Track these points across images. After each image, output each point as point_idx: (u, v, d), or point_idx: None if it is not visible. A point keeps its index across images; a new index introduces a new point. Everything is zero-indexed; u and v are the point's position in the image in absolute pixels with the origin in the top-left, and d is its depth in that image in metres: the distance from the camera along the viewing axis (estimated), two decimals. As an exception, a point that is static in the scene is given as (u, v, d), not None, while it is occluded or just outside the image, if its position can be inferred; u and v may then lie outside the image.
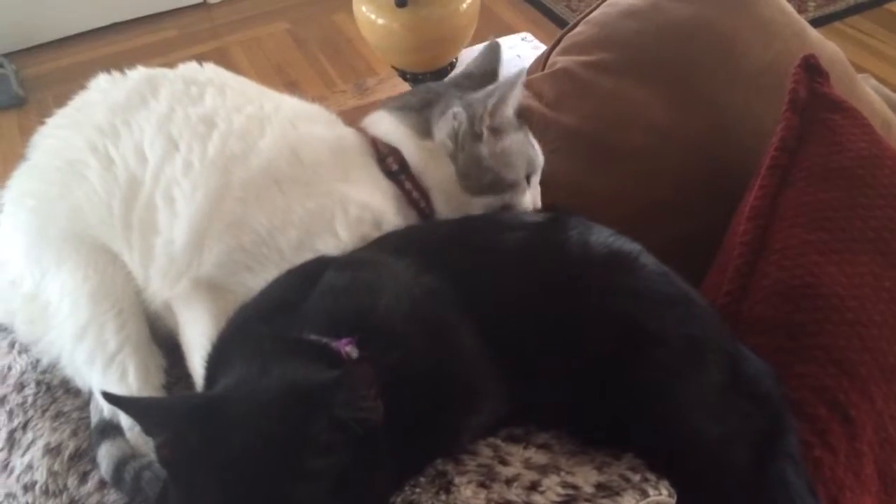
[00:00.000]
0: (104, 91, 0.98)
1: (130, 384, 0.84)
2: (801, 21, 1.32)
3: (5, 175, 3.07)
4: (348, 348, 0.65)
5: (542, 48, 2.32)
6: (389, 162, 0.93)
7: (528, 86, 1.24)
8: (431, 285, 0.75)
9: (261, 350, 0.66)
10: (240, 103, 0.94)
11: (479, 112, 0.92)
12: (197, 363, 0.82)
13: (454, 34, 1.72)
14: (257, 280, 0.84)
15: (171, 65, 3.31)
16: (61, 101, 3.37)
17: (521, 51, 2.31)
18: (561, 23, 3.52)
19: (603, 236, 0.86)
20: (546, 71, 1.26)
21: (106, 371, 0.84)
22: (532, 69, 1.33)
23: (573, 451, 0.76)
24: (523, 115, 1.13)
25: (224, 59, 3.57)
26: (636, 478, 0.72)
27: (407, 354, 0.68)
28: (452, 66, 1.80)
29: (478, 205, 0.93)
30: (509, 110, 0.94)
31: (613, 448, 0.77)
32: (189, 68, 1.00)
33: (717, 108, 1.19)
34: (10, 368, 0.92)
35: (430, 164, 0.93)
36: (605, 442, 0.77)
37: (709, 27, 1.23)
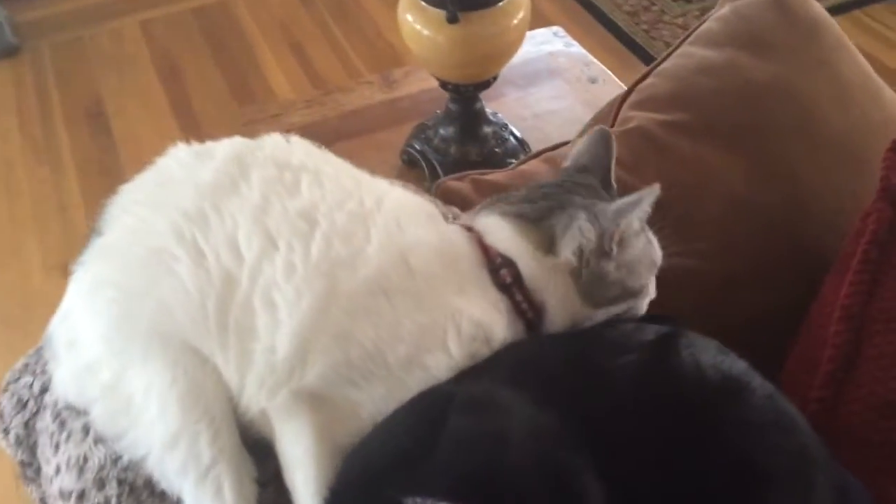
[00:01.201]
0: (187, 167, 0.92)
1: (226, 499, 0.81)
2: (877, 81, 1.28)
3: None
4: None
5: (575, 45, 2.26)
6: (504, 275, 0.88)
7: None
8: (553, 428, 0.73)
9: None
10: (340, 198, 0.89)
11: (609, 230, 0.87)
12: (299, 483, 0.80)
13: (503, 50, 1.66)
14: (362, 395, 0.81)
15: (172, 15, 3.20)
16: (58, 50, 3.28)
17: (553, 47, 2.26)
18: (590, 7, 3.42)
19: (711, 356, 0.84)
20: (620, 127, 1.21)
21: (200, 485, 0.81)
22: (600, 119, 1.29)
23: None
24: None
25: (226, 14, 3.46)
26: None
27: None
28: (495, 78, 1.74)
29: (598, 316, 0.90)
30: (638, 222, 0.90)
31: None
32: (278, 147, 0.94)
33: (796, 179, 1.16)
34: (86, 460, 0.89)
35: (551, 281, 0.88)
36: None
37: (789, 90, 1.19)
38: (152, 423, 0.83)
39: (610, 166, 0.99)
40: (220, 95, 3.12)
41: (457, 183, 1.20)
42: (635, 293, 0.91)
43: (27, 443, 1.00)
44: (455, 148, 1.81)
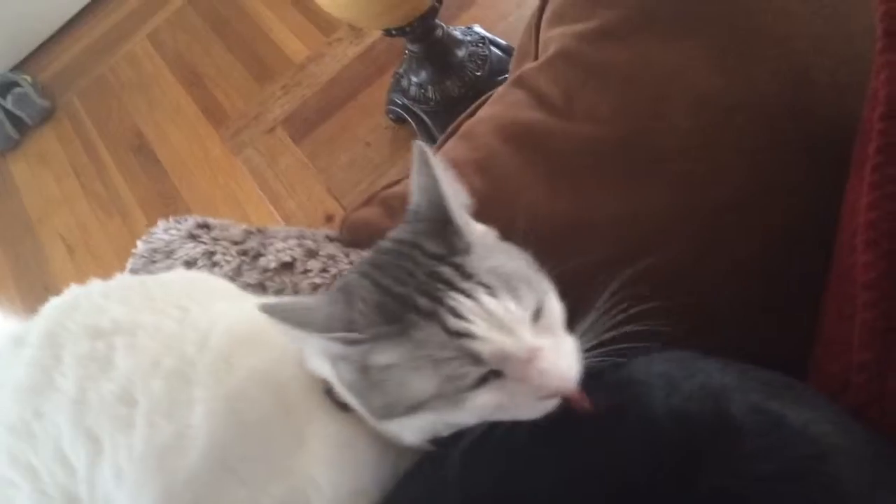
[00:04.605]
0: (6, 363, 0.80)
1: None
2: None
3: (64, 197, 2.94)
4: None
5: None
6: (335, 394, 0.69)
7: (523, 83, 0.95)
8: None
9: None
10: (157, 353, 0.73)
11: None
12: None
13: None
14: None
15: (173, 15, 2.92)
16: (87, 95, 3.18)
17: None
18: None
19: (664, 399, 0.61)
20: (541, 59, 0.95)
21: None
22: (522, 55, 1.02)
23: None
24: (531, 138, 0.86)
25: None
26: None
27: None
28: (440, 2, 1.47)
29: (403, 430, 0.66)
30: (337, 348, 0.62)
31: None
32: (93, 304, 0.78)
33: (786, 47, 0.85)
34: None
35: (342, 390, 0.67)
36: None
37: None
38: None
39: (444, 202, 0.64)
40: (241, 82, 2.96)
41: (365, 211, 0.99)
42: (415, 405, 0.59)
43: None
44: (433, 90, 1.57)
